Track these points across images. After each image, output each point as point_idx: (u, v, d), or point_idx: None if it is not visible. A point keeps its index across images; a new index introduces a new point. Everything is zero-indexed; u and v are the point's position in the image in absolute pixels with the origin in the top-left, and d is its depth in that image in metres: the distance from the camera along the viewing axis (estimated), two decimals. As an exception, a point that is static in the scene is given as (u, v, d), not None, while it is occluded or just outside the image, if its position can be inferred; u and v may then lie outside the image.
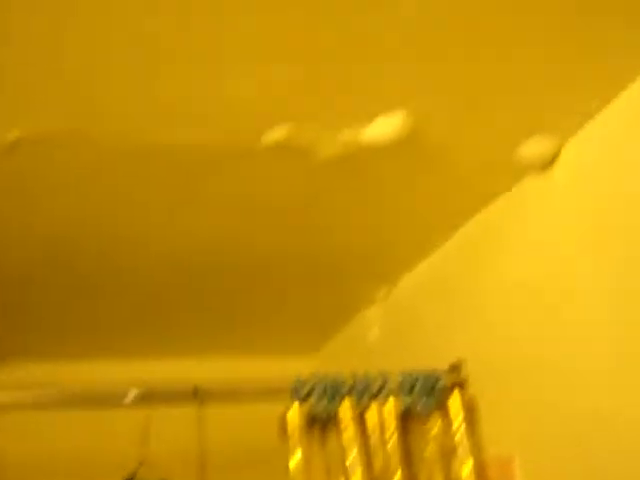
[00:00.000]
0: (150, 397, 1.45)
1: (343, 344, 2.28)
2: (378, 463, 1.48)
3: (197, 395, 1.47)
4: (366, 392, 1.55)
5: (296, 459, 1.45)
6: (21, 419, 1.95)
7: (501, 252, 1.58)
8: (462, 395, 1.60)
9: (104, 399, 1.51)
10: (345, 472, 1.46)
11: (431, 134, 1.28)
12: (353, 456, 1.47)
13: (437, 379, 1.61)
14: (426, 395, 1.59)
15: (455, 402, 1.58)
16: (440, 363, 1.67)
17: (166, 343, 2.16)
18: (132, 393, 1.45)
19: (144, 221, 1.47)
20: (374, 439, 1.50)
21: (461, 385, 1.63)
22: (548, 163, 1.41)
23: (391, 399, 1.54)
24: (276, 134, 1.22)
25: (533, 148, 1.37)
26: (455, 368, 1.65)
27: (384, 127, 1.22)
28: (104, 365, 2.15)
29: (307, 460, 1.47)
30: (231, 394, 1.55)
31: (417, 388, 1.59)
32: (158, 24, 0.96)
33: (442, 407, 1.59)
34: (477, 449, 1.56)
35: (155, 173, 1.30)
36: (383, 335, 2.02)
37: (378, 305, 2.04)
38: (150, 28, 0.97)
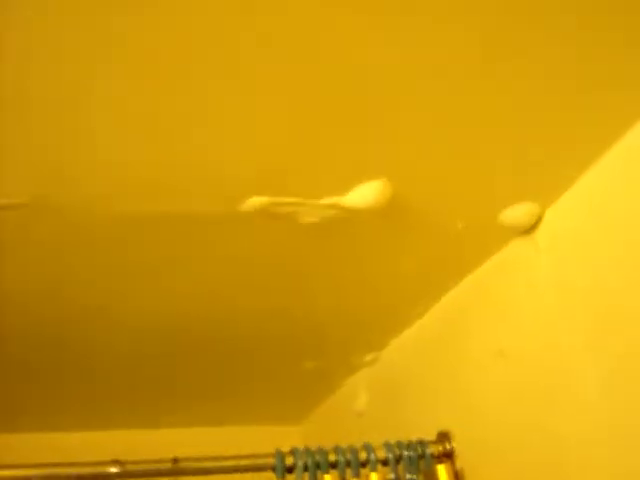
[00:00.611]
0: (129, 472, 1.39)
1: (329, 413, 2.22)
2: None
3: (176, 467, 1.42)
4: (350, 465, 1.50)
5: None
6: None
7: (487, 319, 1.56)
8: (450, 466, 1.55)
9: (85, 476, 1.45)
10: None
11: (412, 200, 1.27)
12: (337, 533, 1.41)
13: (424, 449, 1.57)
14: (413, 467, 1.54)
15: (444, 474, 1.53)
16: (427, 432, 1.63)
17: (144, 415, 2.10)
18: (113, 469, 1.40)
19: (120, 291, 1.43)
20: (359, 515, 1.44)
21: (449, 455, 1.58)
22: (531, 228, 1.40)
23: (374, 474, 1.49)
24: (257, 202, 1.21)
25: (516, 213, 1.37)
26: (443, 437, 1.61)
27: (365, 194, 1.22)
28: (83, 438, 2.09)
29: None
30: (210, 468, 1.49)
31: (403, 459, 1.55)
32: (129, 87, 0.94)
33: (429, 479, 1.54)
34: (466, 524, 1.51)
35: (132, 241, 1.28)
36: (370, 403, 1.97)
37: (364, 372, 2.00)
38: (122, 91, 0.95)
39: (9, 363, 1.73)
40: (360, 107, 1.04)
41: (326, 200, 1.22)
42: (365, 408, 1.98)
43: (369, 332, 1.82)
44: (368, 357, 1.94)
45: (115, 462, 1.40)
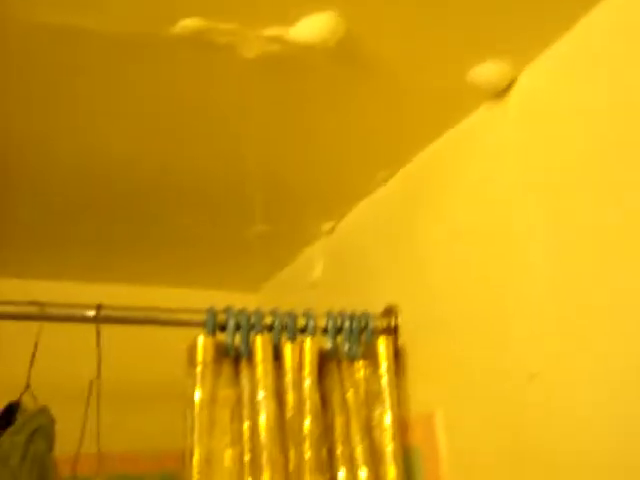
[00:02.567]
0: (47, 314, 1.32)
1: (285, 282, 2.15)
2: (290, 404, 1.37)
3: (99, 314, 1.34)
4: (286, 330, 1.43)
5: (202, 393, 1.33)
6: None
7: (445, 191, 1.45)
8: (392, 342, 1.48)
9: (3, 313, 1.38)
10: (253, 410, 1.35)
11: (368, 42, 1.13)
12: (263, 394, 1.35)
13: (367, 322, 1.49)
14: (353, 338, 1.47)
15: (383, 349, 1.46)
16: (377, 306, 1.55)
17: (76, 265, 2.00)
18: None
19: (47, 118, 1.29)
20: (288, 379, 1.38)
21: (392, 331, 1.51)
22: (502, 91, 1.27)
23: (309, 338, 1.42)
24: (190, 24, 1.07)
25: (486, 73, 1.23)
26: (388, 312, 1.53)
27: (313, 27, 1.07)
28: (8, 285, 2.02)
29: (214, 395, 1.35)
30: (137, 318, 1.42)
31: (344, 330, 1.47)
32: None
33: (369, 353, 1.47)
34: (401, 400, 1.45)
35: (60, 59, 1.14)
36: (325, 274, 1.89)
37: (322, 242, 1.91)
38: None
39: None
40: None
41: (269, 30, 1.08)
42: (320, 279, 1.90)
43: (326, 198, 1.70)
44: (326, 226, 1.83)
45: (33, 303, 1.32)
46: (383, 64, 1.19)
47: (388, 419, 1.42)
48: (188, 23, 1.06)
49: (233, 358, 1.40)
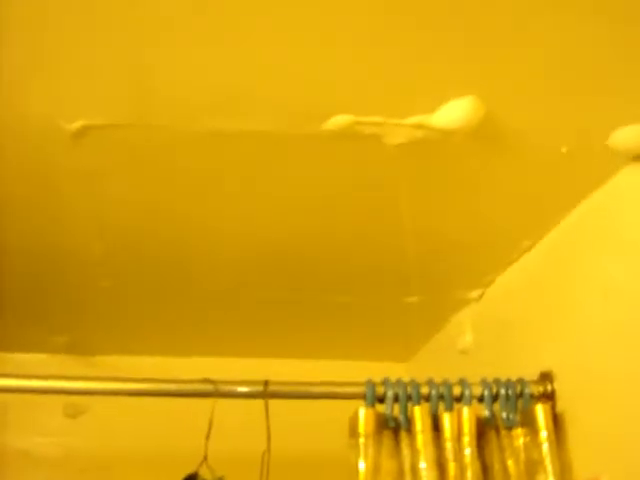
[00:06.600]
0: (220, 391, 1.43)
1: (434, 350, 2.18)
2: (452, 473, 1.39)
3: (267, 390, 1.44)
4: (442, 399, 1.46)
5: (366, 463, 1.39)
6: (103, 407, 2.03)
7: (597, 254, 1.45)
8: (550, 408, 1.48)
9: (179, 392, 1.51)
10: (416, 479, 1.38)
11: (507, 120, 1.18)
12: (425, 465, 1.38)
13: (523, 389, 1.50)
14: (510, 405, 1.48)
15: (542, 415, 1.46)
16: (531, 373, 1.55)
17: (237, 342, 2.14)
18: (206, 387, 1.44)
19: (211, 210, 1.44)
20: (448, 448, 1.41)
21: (550, 397, 1.50)
22: (645, 153, 1.28)
23: (467, 407, 1.45)
24: (340, 120, 1.17)
25: (628, 136, 1.24)
26: (544, 378, 1.53)
27: (454, 112, 1.15)
28: (177, 362, 2.19)
29: (377, 465, 1.40)
30: (302, 393, 1.50)
31: (500, 397, 1.49)
32: (222, 3, 0.94)
33: (527, 420, 1.47)
34: (564, 467, 1.43)
35: (218, 159, 1.28)
36: (475, 341, 1.91)
37: (470, 309, 1.93)
38: (214, 6, 0.94)
39: (101, 289, 1.80)
40: (448, 16, 0.97)
41: (413, 119, 1.16)
42: (470, 346, 1.92)
43: (473, 267, 1.74)
44: (473, 293, 1.86)
45: (207, 380, 1.44)
46: (522, 137, 1.24)
47: (551, 487, 1.41)
48: (338, 120, 1.16)
49: (392, 429, 1.45)
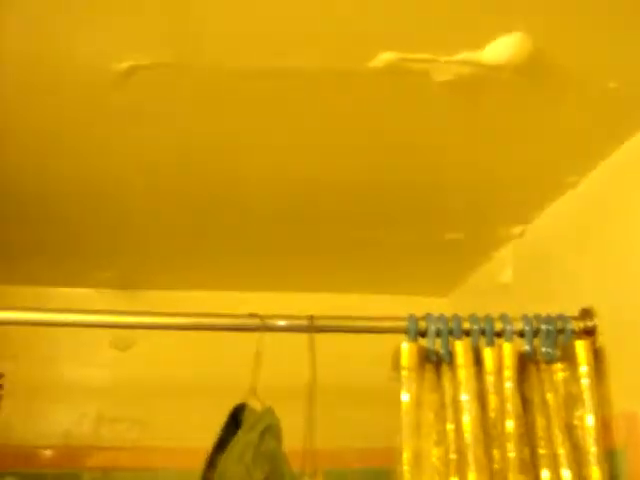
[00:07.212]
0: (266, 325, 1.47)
1: (477, 285, 2.20)
2: (492, 406, 1.42)
3: (312, 324, 1.47)
4: (485, 334, 1.49)
5: (409, 396, 1.42)
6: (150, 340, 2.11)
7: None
8: (590, 344, 1.49)
9: (226, 326, 1.56)
10: (457, 412, 1.42)
11: (554, 56, 1.16)
12: (467, 397, 1.42)
13: (564, 325, 1.51)
14: (550, 341, 1.50)
15: (582, 351, 1.48)
16: (571, 308, 1.57)
17: (282, 277, 2.18)
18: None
19: (259, 145, 1.45)
20: (489, 382, 1.44)
21: (590, 333, 1.52)
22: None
23: (508, 343, 1.47)
24: (387, 58, 1.16)
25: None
26: (585, 314, 1.54)
27: (502, 48, 1.13)
28: (223, 297, 2.25)
29: (419, 398, 1.44)
30: (346, 327, 1.54)
31: (541, 333, 1.51)
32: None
33: (567, 355, 1.49)
34: (602, 401, 1.46)
35: (263, 97, 1.28)
36: (515, 277, 1.92)
37: (512, 245, 1.94)
38: None
39: (146, 224, 1.84)
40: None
41: (460, 56, 1.15)
42: (510, 282, 1.93)
43: (516, 203, 1.74)
44: (516, 230, 1.87)
45: (254, 315, 1.48)
46: (569, 72, 1.23)
47: (590, 421, 1.42)
48: (385, 56, 1.16)
49: (434, 363, 1.48)
